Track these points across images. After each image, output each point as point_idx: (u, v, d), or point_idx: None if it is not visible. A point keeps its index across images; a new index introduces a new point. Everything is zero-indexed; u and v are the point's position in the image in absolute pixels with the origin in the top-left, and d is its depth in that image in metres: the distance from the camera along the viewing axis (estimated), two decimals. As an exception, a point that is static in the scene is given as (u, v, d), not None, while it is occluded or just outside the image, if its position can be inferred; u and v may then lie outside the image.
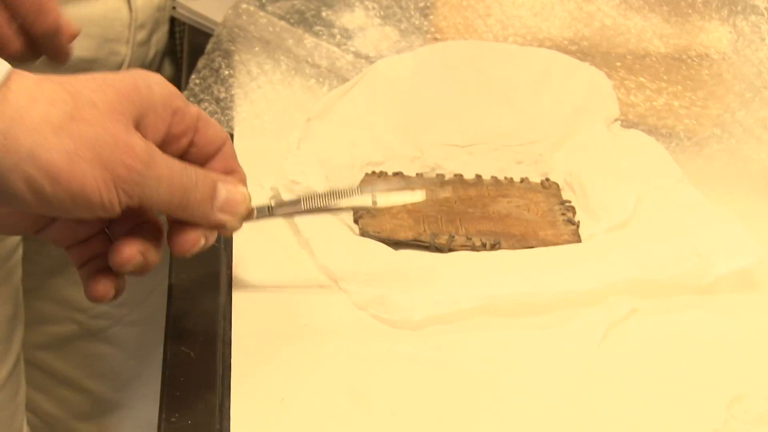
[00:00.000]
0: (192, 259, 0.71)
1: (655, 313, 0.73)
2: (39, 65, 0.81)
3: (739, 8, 0.94)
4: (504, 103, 0.90)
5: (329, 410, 0.64)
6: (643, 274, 0.73)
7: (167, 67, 1.11)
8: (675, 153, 0.87)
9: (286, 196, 0.79)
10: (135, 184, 0.62)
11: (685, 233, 0.76)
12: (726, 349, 0.70)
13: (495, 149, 0.89)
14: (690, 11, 0.95)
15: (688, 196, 0.81)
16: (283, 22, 1.00)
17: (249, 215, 0.69)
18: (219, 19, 1.02)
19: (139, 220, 0.67)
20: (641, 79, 0.93)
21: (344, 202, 0.70)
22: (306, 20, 1.01)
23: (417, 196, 0.70)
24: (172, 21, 1.08)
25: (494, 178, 0.87)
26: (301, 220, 0.78)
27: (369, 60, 0.96)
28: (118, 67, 1.00)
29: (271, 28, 1.00)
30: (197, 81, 0.95)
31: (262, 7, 1.01)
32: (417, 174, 0.87)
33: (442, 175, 0.87)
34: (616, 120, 0.90)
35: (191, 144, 0.68)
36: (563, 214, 0.82)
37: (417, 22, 0.99)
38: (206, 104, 0.93)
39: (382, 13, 1.00)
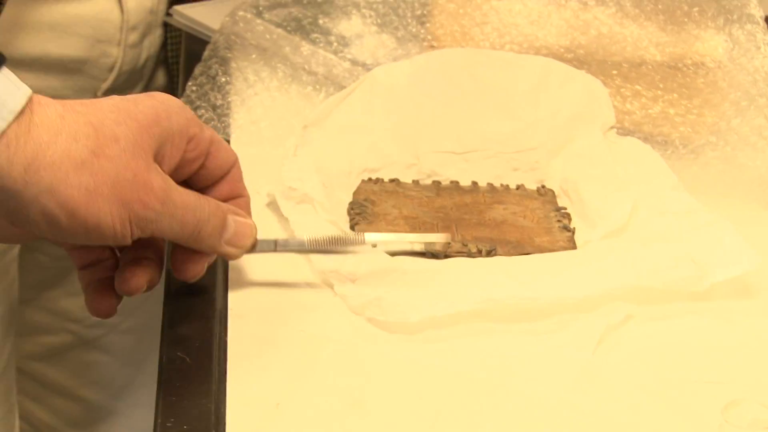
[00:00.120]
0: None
1: (650, 319, 0.73)
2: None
3: (735, 17, 0.94)
4: (500, 111, 0.90)
5: (325, 415, 0.64)
6: (639, 280, 0.73)
7: (160, 73, 1.11)
8: (671, 160, 0.88)
9: (285, 207, 0.79)
10: (149, 221, 0.64)
11: (680, 240, 0.77)
12: (721, 355, 0.71)
13: (491, 156, 0.89)
14: (686, 20, 0.95)
15: (684, 203, 0.81)
16: (280, 30, 1.00)
17: (252, 247, 0.71)
18: (216, 26, 1.02)
19: (144, 241, 0.68)
20: (637, 87, 0.94)
21: (348, 249, 0.73)
22: (303, 28, 1.01)
23: (416, 246, 0.76)
24: (166, 28, 1.08)
25: (490, 185, 0.87)
26: (297, 227, 0.78)
27: (366, 67, 0.96)
28: (110, 69, 1.00)
29: (268, 36, 1.00)
30: (194, 88, 0.95)
31: (259, 14, 1.01)
32: (413, 181, 0.87)
33: (439, 182, 0.87)
34: (612, 128, 0.90)
35: (201, 167, 0.69)
36: (559, 220, 0.82)
37: (414, 30, 0.99)
38: (203, 111, 0.93)
39: (378, 20, 1.01)
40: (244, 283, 0.74)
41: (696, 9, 0.95)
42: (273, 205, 0.81)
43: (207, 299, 0.73)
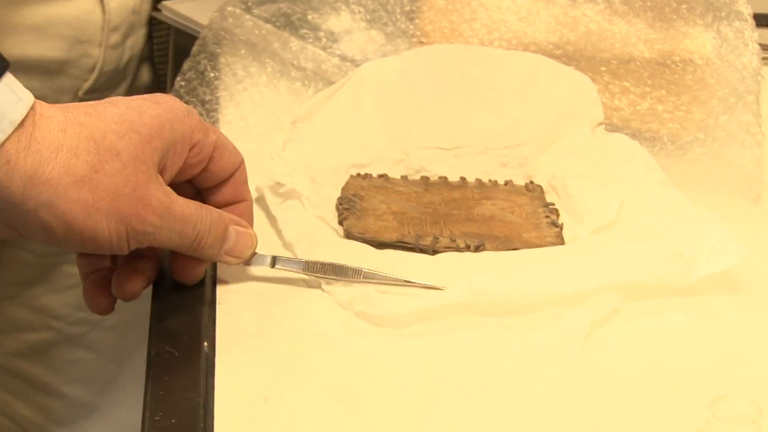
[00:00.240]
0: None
1: (638, 315, 0.73)
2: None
3: (723, 14, 0.94)
4: (489, 107, 0.90)
5: (313, 409, 0.64)
6: (627, 275, 0.73)
7: (145, 71, 1.11)
8: (659, 157, 0.88)
9: (272, 203, 0.79)
10: (147, 234, 0.64)
11: (668, 235, 0.77)
12: (709, 350, 0.71)
13: (480, 152, 0.89)
14: (674, 17, 0.95)
15: (672, 199, 0.81)
16: (269, 25, 1.00)
17: (252, 256, 0.72)
18: (205, 21, 1.02)
19: None
20: (625, 83, 0.94)
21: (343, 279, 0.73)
22: (292, 23, 1.01)
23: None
24: (151, 26, 1.08)
25: (479, 180, 0.87)
26: (285, 225, 0.78)
27: (355, 63, 0.96)
28: (91, 69, 1.00)
29: (257, 31, 1.00)
30: (182, 83, 0.95)
31: (248, 10, 1.01)
32: (402, 176, 0.87)
33: (427, 178, 0.87)
34: (600, 124, 0.90)
35: (204, 170, 0.70)
36: (547, 216, 0.83)
37: (403, 26, 0.99)
38: (191, 106, 0.93)
39: (368, 16, 1.00)
40: (233, 277, 0.74)
41: (684, 6, 0.95)
42: (261, 200, 0.81)
43: (195, 294, 0.73)
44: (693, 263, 0.74)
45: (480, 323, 0.71)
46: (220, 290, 0.73)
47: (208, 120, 0.92)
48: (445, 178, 0.87)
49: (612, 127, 0.92)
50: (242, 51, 0.99)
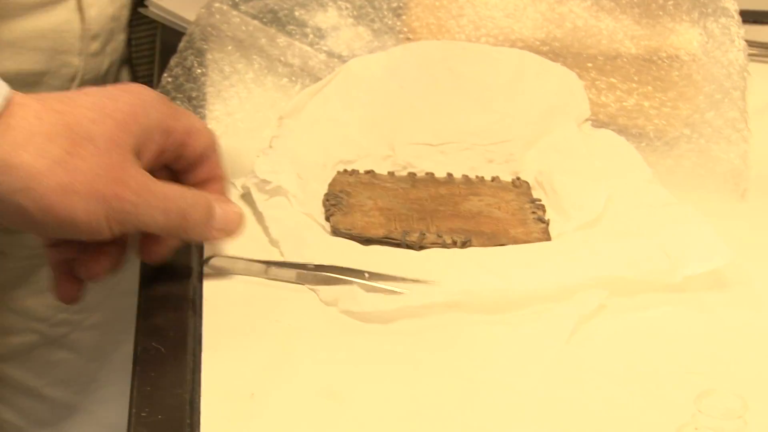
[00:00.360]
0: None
1: (624, 310, 0.73)
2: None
3: (710, 10, 0.94)
4: (476, 103, 0.90)
5: (299, 405, 0.64)
6: (612, 271, 0.73)
7: (124, 75, 1.10)
8: (645, 153, 0.88)
9: (259, 200, 0.79)
10: (127, 214, 0.64)
11: (654, 233, 0.77)
12: (694, 345, 0.71)
13: (467, 148, 0.89)
14: (661, 13, 0.96)
15: (658, 196, 0.81)
16: (256, 22, 1.00)
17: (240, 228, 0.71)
18: (192, 17, 1.02)
19: None
20: (612, 79, 0.94)
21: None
22: (279, 20, 1.01)
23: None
24: (131, 30, 1.07)
25: (465, 176, 0.87)
26: (272, 222, 0.78)
27: (342, 59, 0.96)
28: (71, 78, 0.99)
29: (244, 27, 1.00)
30: (169, 79, 0.95)
31: (235, 6, 1.01)
32: (389, 172, 0.87)
33: (414, 174, 0.87)
34: (587, 120, 0.90)
35: (179, 155, 0.70)
36: (533, 212, 0.83)
37: (390, 22, 0.99)
38: (178, 102, 0.93)
39: (355, 13, 1.00)
40: (219, 273, 0.74)
41: (671, 2, 0.95)
42: (247, 196, 0.81)
43: (181, 289, 0.73)
44: (678, 263, 0.74)
45: (467, 319, 0.71)
46: (207, 286, 0.73)
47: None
48: (432, 174, 0.87)
49: (598, 123, 0.92)
50: (229, 47, 0.99)
